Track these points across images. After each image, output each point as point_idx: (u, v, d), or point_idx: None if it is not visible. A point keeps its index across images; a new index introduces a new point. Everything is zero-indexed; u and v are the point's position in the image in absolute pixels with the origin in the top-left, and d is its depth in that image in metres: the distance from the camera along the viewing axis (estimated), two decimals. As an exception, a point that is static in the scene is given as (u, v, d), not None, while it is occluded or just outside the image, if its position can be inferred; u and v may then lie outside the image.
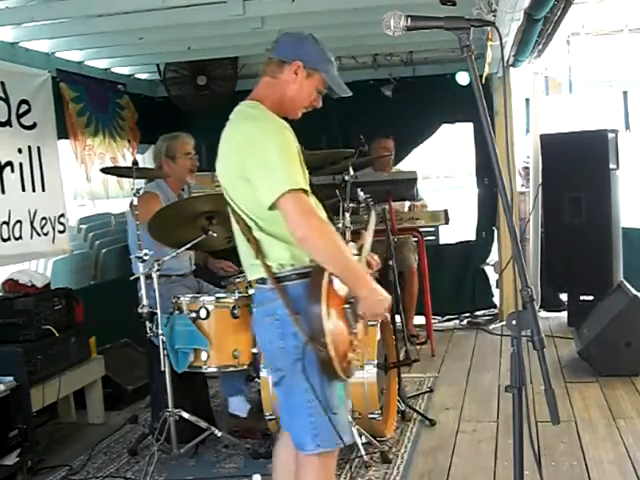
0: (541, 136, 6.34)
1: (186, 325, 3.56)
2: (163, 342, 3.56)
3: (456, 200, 11.93)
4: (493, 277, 6.79)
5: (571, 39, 6.85)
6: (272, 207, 2.15)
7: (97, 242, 6.04)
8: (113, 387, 4.69)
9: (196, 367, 3.60)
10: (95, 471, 3.76)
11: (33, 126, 4.60)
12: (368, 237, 2.81)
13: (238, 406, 4.07)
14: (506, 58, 5.34)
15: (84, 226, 6.49)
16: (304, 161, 2.33)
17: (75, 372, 4.27)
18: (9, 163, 4.36)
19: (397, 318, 4.54)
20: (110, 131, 5.76)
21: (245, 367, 3.68)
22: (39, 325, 4.03)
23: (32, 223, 4.55)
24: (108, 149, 5.71)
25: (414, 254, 5.99)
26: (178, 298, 3.66)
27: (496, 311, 6.64)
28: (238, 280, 3.98)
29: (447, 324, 6.59)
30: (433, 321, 6.06)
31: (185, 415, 3.66)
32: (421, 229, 5.93)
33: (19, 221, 4.43)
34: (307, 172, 2.30)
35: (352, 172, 4.21)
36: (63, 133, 5.12)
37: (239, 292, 3.67)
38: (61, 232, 4.84)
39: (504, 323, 5.82)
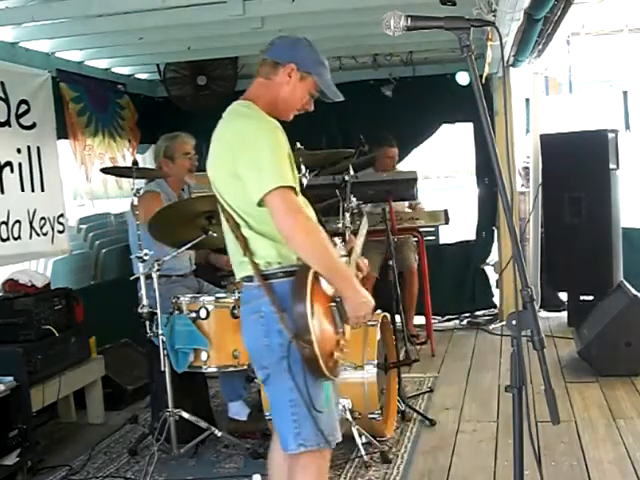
0: (541, 136, 6.34)
1: (186, 325, 3.56)
2: (163, 342, 3.56)
3: (456, 200, 11.93)
4: (493, 277, 6.79)
5: (571, 39, 6.85)
6: (261, 204, 2.17)
7: (97, 242, 6.04)
8: (113, 387, 4.69)
9: (196, 367, 3.60)
10: (95, 471, 3.76)
11: (32, 126, 4.60)
12: (359, 241, 2.80)
13: (238, 411, 4.08)
14: (506, 58, 5.34)
15: (84, 226, 6.49)
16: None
17: (75, 372, 4.27)
18: (8, 163, 4.36)
19: (397, 318, 4.54)
20: (110, 131, 5.76)
21: (245, 367, 3.68)
22: (39, 325, 4.03)
23: (31, 223, 4.55)
24: (108, 149, 5.71)
25: (414, 254, 5.99)
26: (178, 298, 3.66)
27: (496, 311, 6.64)
28: (238, 280, 3.97)
29: (447, 324, 6.59)
30: (433, 321, 6.06)
31: (185, 415, 3.66)
32: (421, 229, 5.93)
33: (18, 221, 4.43)
34: (297, 174, 2.32)
35: (352, 172, 4.21)
36: (63, 133, 5.12)
37: (239, 292, 3.66)
38: (60, 232, 4.84)
39: (504, 323, 5.82)
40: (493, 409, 4.27)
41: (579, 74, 7.36)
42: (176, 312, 3.63)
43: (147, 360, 4.22)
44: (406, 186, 5.52)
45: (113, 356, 4.84)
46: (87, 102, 5.46)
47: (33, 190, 4.59)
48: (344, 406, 3.63)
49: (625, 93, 7.30)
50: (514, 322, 1.81)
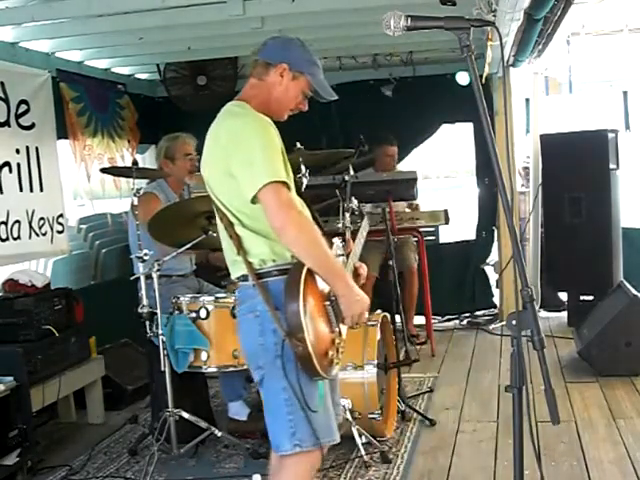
0: (541, 136, 6.34)
1: (186, 325, 3.56)
2: (163, 342, 3.56)
3: (456, 200, 11.93)
4: (493, 277, 6.79)
5: (571, 39, 6.86)
6: (254, 200, 2.17)
7: (97, 242, 6.04)
8: (113, 387, 4.69)
9: (196, 367, 3.60)
10: (95, 471, 3.76)
11: (32, 126, 4.60)
12: (358, 244, 2.78)
13: (238, 411, 4.07)
14: (506, 58, 5.34)
15: (84, 226, 6.49)
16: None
17: (75, 372, 4.27)
18: (7, 163, 4.36)
19: (397, 318, 4.54)
20: (109, 131, 5.76)
21: (245, 367, 3.67)
22: (39, 325, 4.03)
23: (30, 223, 4.55)
24: (107, 149, 5.71)
25: (414, 254, 5.99)
26: (178, 298, 3.66)
27: (496, 311, 6.64)
28: (234, 280, 3.97)
29: (447, 324, 6.59)
30: (433, 321, 6.06)
31: (185, 415, 3.66)
32: (421, 229, 5.93)
33: (17, 221, 4.42)
34: (291, 172, 2.32)
35: (352, 172, 4.21)
36: (63, 133, 5.12)
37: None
38: (60, 232, 4.83)
39: (504, 323, 5.82)
40: (493, 409, 4.27)
41: (579, 74, 7.37)
42: (176, 312, 3.63)
43: (147, 360, 4.22)
44: (406, 186, 5.52)
45: (113, 356, 4.84)
46: (87, 102, 5.47)
47: (32, 190, 4.58)
48: (344, 406, 3.63)
49: (625, 93, 7.30)
50: (514, 322, 1.81)
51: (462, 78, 6.02)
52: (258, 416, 3.86)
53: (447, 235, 7.22)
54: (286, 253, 2.22)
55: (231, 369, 3.64)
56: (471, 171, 7.04)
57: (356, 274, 2.55)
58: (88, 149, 5.46)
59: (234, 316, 3.57)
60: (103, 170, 4.55)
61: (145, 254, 3.61)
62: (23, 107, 4.51)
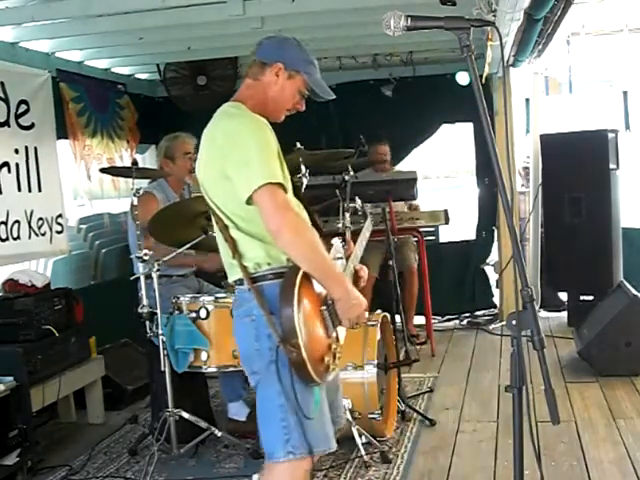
0: (541, 136, 6.34)
1: (186, 325, 3.56)
2: (163, 342, 3.56)
3: (456, 200, 11.93)
4: (493, 277, 6.79)
5: (571, 39, 6.86)
6: (249, 202, 2.13)
7: (97, 242, 6.04)
8: (113, 387, 4.69)
9: (196, 367, 3.60)
10: (95, 471, 3.76)
11: (31, 126, 4.59)
12: (359, 246, 2.71)
13: (238, 411, 4.07)
14: (506, 58, 5.34)
15: (84, 226, 6.50)
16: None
17: (75, 372, 4.27)
18: (5, 164, 4.36)
19: (397, 318, 4.54)
20: (108, 132, 5.76)
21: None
22: (39, 325, 4.03)
23: (30, 223, 4.54)
24: (105, 150, 5.70)
25: (414, 254, 5.99)
26: (178, 298, 3.66)
27: (496, 311, 6.64)
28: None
29: (447, 324, 6.59)
30: (433, 321, 6.06)
31: (185, 415, 3.66)
32: (421, 229, 5.93)
33: (17, 221, 4.42)
34: (287, 173, 2.28)
35: (352, 172, 4.21)
36: (63, 133, 5.12)
37: (239, 292, 3.66)
38: (59, 232, 4.83)
39: (504, 323, 5.82)
40: (493, 409, 4.27)
41: (579, 74, 7.37)
42: (176, 312, 3.63)
43: (147, 360, 4.22)
44: (406, 186, 5.53)
45: (113, 356, 4.84)
46: (87, 102, 5.47)
47: (30, 190, 4.58)
48: (344, 406, 3.63)
49: (625, 93, 7.30)
50: (514, 322, 1.81)
51: (462, 78, 6.02)
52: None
53: (447, 235, 7.22)
54: (282, 256, 2.18)
55: (231, 369, 3.63)
56: (471, 171, 7.04)
57: (357, 277, 2.50)
58: (88, 149, 5.46)
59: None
60: (103, 170, 4.55)
61: (145, 254, 3.61)
62: (23, 107, 4.51)
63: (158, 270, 3.61)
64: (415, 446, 3.81)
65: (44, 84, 4.73)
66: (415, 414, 4.21)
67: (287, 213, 2.12)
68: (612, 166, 5.96)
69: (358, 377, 3.69)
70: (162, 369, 3.58)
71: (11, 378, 3.56)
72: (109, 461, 3.88)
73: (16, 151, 4.46)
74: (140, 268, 3.66)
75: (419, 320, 6.15)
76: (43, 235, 4.67)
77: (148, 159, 6.64)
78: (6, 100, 4.36)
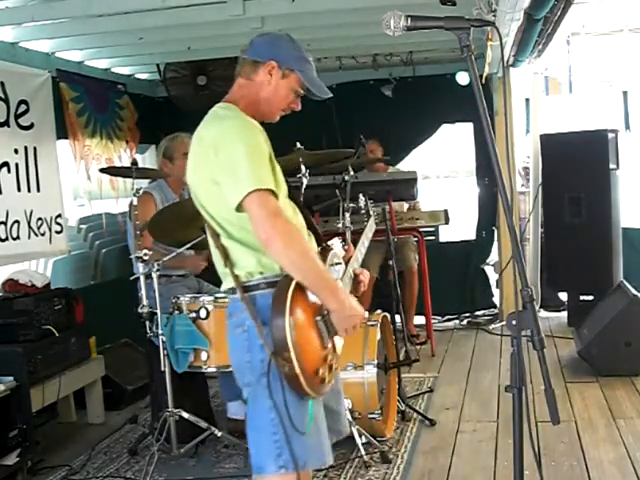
0: (541, 136, 6.34)
1: (186, 325, 3.56)
2: (163, 342, 3.56)
3: (456, 200, 11.93)
4: (493, 277, 6.80)
5: (571, 39, 6.87)
6: (239, 209, 2.03)
7: (97, 242, 6.05)
8: (113, 387, 4.69)
9: (196, 367, 3.59)
10: (95, 471, 3.76)
11: (30, 126, 4.59)
12: (360, 248, 2.58)
13: (237, 410, 4.07)
14: (506, 58, 5.34)
15: (84, 226, 6.50)
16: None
17: (75, 372, 4.27)
18: (5, 164, 4.35)
19: (397, 318, 4.54)
20: (108, 132, 5.75)
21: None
22: (39, 325, 4.03)
23: (29, 223, 4.54)
24: (104, 150, 5.70)
25: (414, 254, 5.99)
26: (178, 298, 3.66)
27: (496, 311, 6.64)
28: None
29: (447, 324, 6.60)
30: (433, 321, 6.06)
31: (185, 415, 3.66)
32: (421, 229, 5.93)
33: (17, 221, 4.42)
34: (281, 177, 2.19)
35: (352, 172, 4.21)
36: (63, 133, 5.12)
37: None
38: (58, 232, 4.82)
39: (504, 323, 5.82)
40: (493, 409, 4.27)
41: (579, 74, 7.38)
42: (176, 312, 3.62)
43: (147, 360, 4.22)
44: (406, 186, 5.53)
45: (113, 356, 4.84)
46: (87, 102, 5.46)
47: (29, 191, 4.57)
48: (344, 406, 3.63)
49: (625, 93, 7.30)
50: (514, 322, 1.81)
51: (462, 78, 6.02)
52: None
53: (447, 235, 7.22)
54: (275, 265, 2.08)
55: (231, 369, 3.62)
56: (471, 171, 7.05)
57: (357, 281, 2.40)
58: (87, 149, 5.46)
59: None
60: (103, 170, 4.55)
61: (145, 254, 3.61)
62: (23, 107, 4.51)
63: (158, 270, 3.61)
64: (415, 446, 3.81)
65: (44, 84, 4.73)
66: (415, 414, 4.21)
67: (277, 221, 2.00)
68: (612, 166, 5.96)
69: (358, 377, 3.69)
70: (162, 369, 3.58)
71: (11, 378, 3.56)
72: (109, 461, 3.88)
73: (16, 151, 4.45)
74: (140, 268, 3.66)
75: (419, 320, 6.15)
76: (42, 235, 4.67)
77: (148, 159, 6.64)
78: (6, 100, 4.35)
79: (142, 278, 3.69)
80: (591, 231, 5.89)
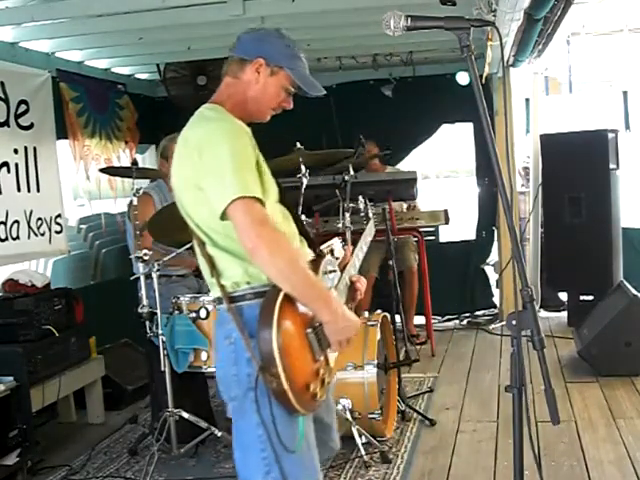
0: (541, 136, 6.34)
1: (186, 325, 3.56)
2: (163, 342, 3.56)
3: (456, 200, 11.93)
4: (493, 277, 6.80)
5: (571, 39, 6.87)
6: (224, 217, 1.92)
7: (97, 242, 6.04)
8: (113, 387, 4.69)
9: (196, 367, 3.59)
10: (95, 471, 3.76)
11: (30, 126, 4.59)
12: (358, 253, 2.44)
13: None
14: (506, 58, 5.34)
15: (84, 226, 6.50)
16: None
17: (75, 372, 4.27)
18: (5, 164, 4.36)
19: (397, 318, 4.54)
20: (107, 132, 5.75)
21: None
22: (39, 325, 4.03)
23: (29, 223, 4.54)
24: (103, 150, 5.69)
25: (414, 254, 5.99)
26: (178, 298, 3.66)
27: (496, 311, 6.64)
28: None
29: (447, 324, 6.60)
30: (433, 321, 6.06)
31: (185, 415, 3.66)
32: (421, 229, 5.93)
33: (17, 221, 4.42)
34: (271, 182, 2.09)
35: (352, 172, 4.21)
36: (62, 133, 5.12)
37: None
38: (58, 232, 4.82)
39: (504, 323, 5.82)
40: (493, 409, 4.27)
41: (579, 74, 7.38)
42: (176, 312, 3.62)
43: (147, 360, 4.22)
44: (406, 186, 5.53)
45: (113, 356, 4.84)
46: (87, 102, 5.46)
47: (29, 190, 4.57)
48: (344, 406, 3.64)
49: (625, 93, 7.30)
50: (514, 322, 1.81)
51: (462, 78, 6.02)
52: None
53: (447, 235, 7.22)
54: (262, 275, 1.97)
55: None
56: (471, 171, 7.05)
57: (353, 289, 2.27)
58: (87, 149, 5.46)
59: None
60: (103, 170, 4.55)
61: (145, 254, 3.61)
62: (23, 107, 4.51)
63: (158, 270, 3.61)
64: (415, 446, 3.81)
65: (44, 84, 4.73)
66: (415, 414, 4.21)
67: (263, 229, 1.89)
68: (612, 166, 5.96)
69: (358, 377, 3.69)
70: (162, 369, 3.58)
71: (11, 378, 3.57)
72: (109, 461, 3.88)
73: (15, 151, 4.46)
74: (140, 268, 3.66)
75: (419, 320, 6.15)
76: (42, 235, 4.67)
77: (148, 159, 6.64)
78: (6, 100, 4.35)
79: (142, 278, 3.69)
80: (591, 231, 5.89)
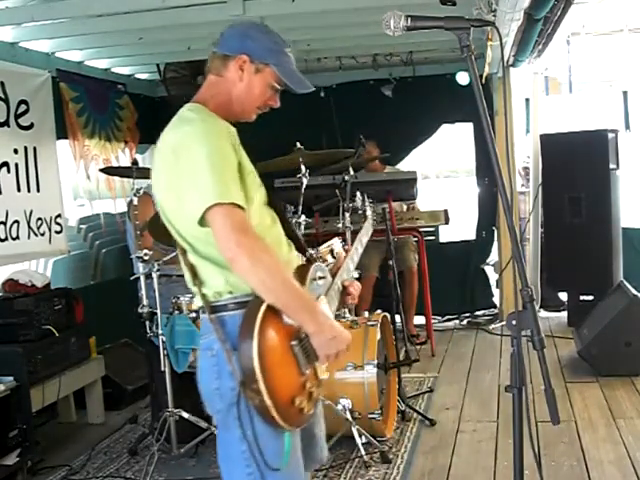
0: (541, 136, 6.34)
1: (186, 325, 3.56)
2: (163, 342, 3.56)
3: (456, 200, 11.93)
4: (493, 277, 6.80)
5: (571, 39, 6.87)
6: (202, 223, 1.82)
7: (97, 242, 6.04)
8: (113, 387, 4.69)
9: (196, 367, 3.59)
10: (95, 471, 3.76)
11: (30, 126, 4.59)
12: (352, 256, 2.35)
13: None
14: (506, 58, 5.35)
15: (84, 226, 6.49)
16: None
17: (75, 372, 4.28)
18: (5, 163, 4.36)
19: (397, 318, 4.54)
20: (106, 133, 5.74)
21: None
22: (39, 325, 4.03)
23: (29, 223, 4.54)
24: (102, 150, 5.69)
25: (414, 254, 5.99)
26: (178, 298, 3.66)
27: (496, 311, 6.64)
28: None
29: (447, 324, 6.60)
30: (433, 321, 6.06)
31: (185, 415, 3.66)
32: (421, 229, 5.93)
33: (16, 221, 4.42)
34: (257, 183, 1.98)
35: (352, 172, 4.21)
36: (62, 133, 5.11)
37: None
38: (58, 232, 4.82)
39: (504, 323, 5.82)
40: (493, 409, 4.27)
41: (579, 74, 7.38)
42: (176, 312, 3.63)
43: (147, 360, 4.22)
44: (406, 186, 5.53)
45: (113, 356, 4.84)
46: (87, 102, 5.46)
47: (29, 190, 4.57)
48: (344, 406, 3.64)
49: (625, 93, 7.31)
50: (514, 322, 1.81)
51: (462, 78, 6.02)
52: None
53: (447, 235, 7.22)
54: (244, 284, 1.85)
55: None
56: (471, 171, 7.05)
57: (345, 293, 2.17)
58: (87, 149, 5.46)
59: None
60: (103, 170, 4.55)
61: (145, 254, 3.61)
62: (23, 107, 4.51)
63: (158, 270, 3.61)
64: (415, 446, 3.81)
65: (44, 84, 4.73)
66: (415, 414, 4.22)
67: (243, 237, 1.78)
68: (612, 166, 5.96)
69: (358, 377, 3.69)
70: (162, 369, 3.58)
71: (11, 378, 3.57)
72: (109, 461, 3.88)
73: (15, 151, 4.45)
74: (140, 268, 3.66)
75: (419, 320, 6.15)
76: (42, 235, 4.66)
77: (148, 159, 6.63)
78: (6, 100, 4.35)
79: (142, 278, 3.70)
80: (591, 231, 5.89)
